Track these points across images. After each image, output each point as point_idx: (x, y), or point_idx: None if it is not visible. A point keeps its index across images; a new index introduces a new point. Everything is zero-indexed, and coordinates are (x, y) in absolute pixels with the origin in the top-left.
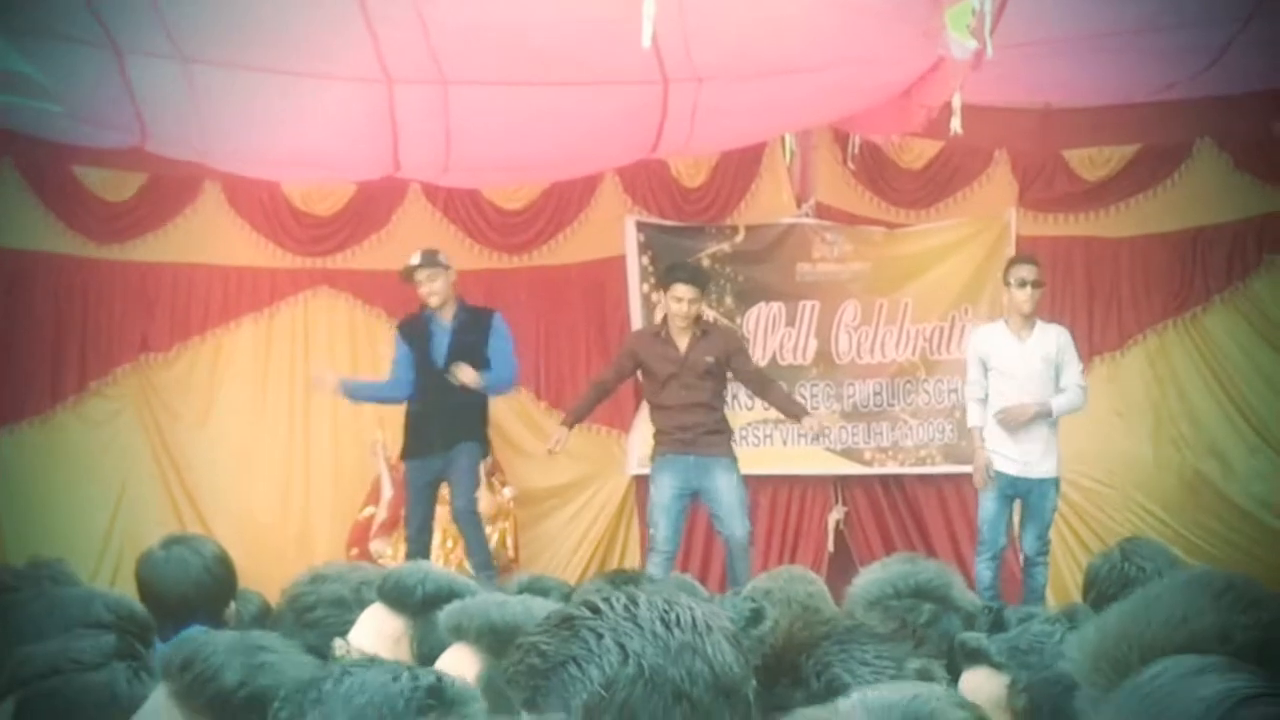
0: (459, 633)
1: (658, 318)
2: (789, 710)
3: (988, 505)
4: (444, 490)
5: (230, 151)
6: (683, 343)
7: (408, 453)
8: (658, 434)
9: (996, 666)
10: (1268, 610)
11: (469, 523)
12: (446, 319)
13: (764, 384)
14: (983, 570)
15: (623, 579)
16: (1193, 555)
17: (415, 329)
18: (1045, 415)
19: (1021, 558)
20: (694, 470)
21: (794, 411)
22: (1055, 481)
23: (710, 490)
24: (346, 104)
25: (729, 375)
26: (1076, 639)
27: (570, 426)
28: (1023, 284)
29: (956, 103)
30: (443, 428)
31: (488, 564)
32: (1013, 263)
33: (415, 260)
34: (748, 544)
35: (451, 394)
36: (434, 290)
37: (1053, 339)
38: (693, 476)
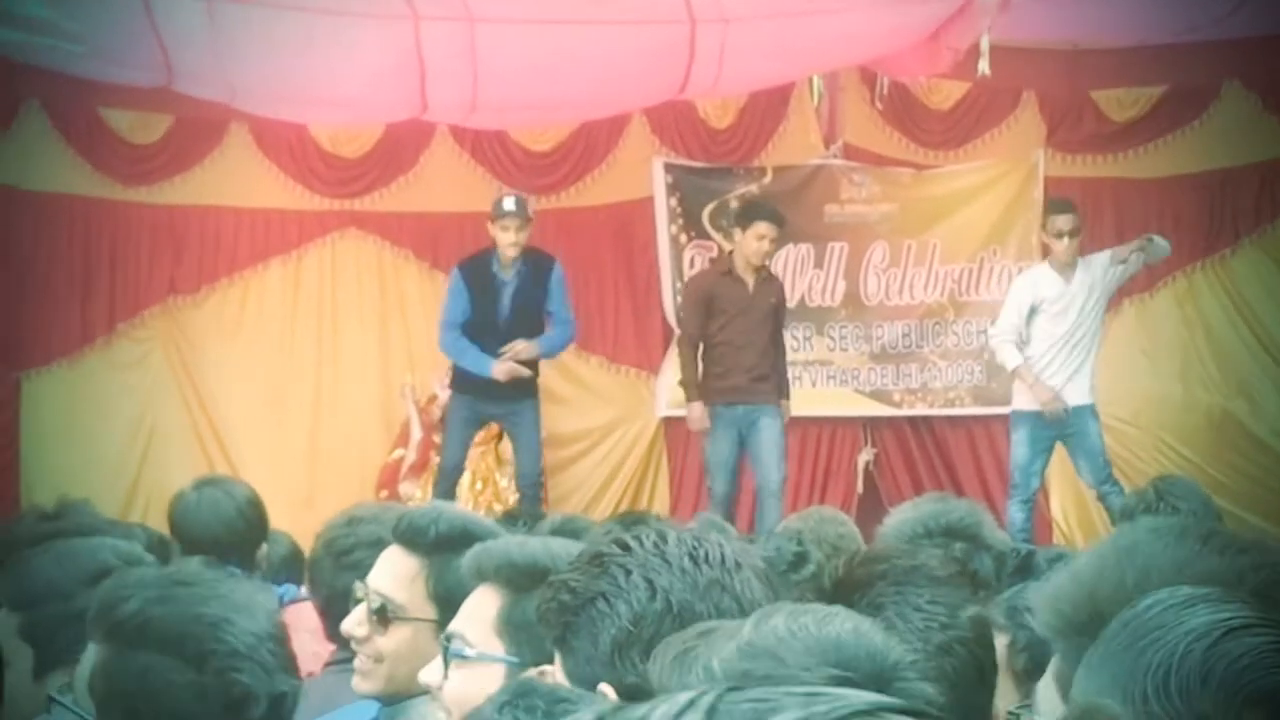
0: (480, 574)
1: (686, 259)
2: None
3: (1020, 449)
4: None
5: (256, 91)
6: (750, 281)
7: (459, 388)
8: (711, 378)
9: (996, 627)
10: (1261, 553)
11: (536, 490)
12: (509, 273)
13: (778, 348)
14: (1015, 513)
15: (632, 520)
16: (1219, 494)
17: (479, 275)
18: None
19: (1092, 492)
20: (744, 420)
21: (783, 388)
22: (1091, 408)
23: (754, 436)
24: (372, 41)
25: None
26: (1048, 592)
27: (694, 399)
28: (1060, 235)
29: (985, 44)
30: (500, 383)
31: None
32: (1051, 212)
33: (510, 206)
34: (781, 492)
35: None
36: (516, 241)
37: (1098, 266)
38: (743, 426)
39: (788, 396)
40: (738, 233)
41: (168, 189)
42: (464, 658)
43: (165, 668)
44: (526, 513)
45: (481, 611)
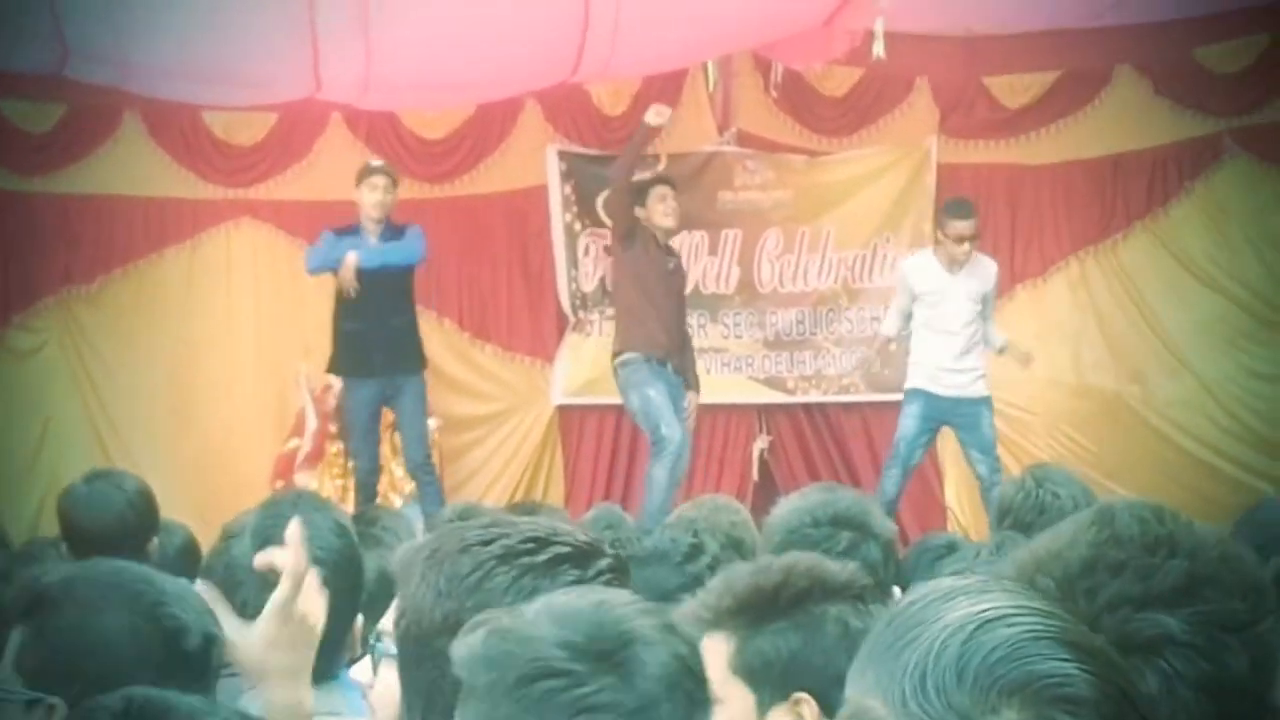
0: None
1: (580, 247)
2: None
3: (907, 423)
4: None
5: (150, 69)
6: (668, 260)
7: (343, 370)
8: (631, 330)
9: None
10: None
11: (426, 473)
12: (373, 239)
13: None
14: (888, 484)
15: (525, 509)
16: (1113, 480)
17: (348, 239)
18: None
19: (979, 483)
20: (675, 385)
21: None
22: (987, 400)
23: (679, 409)
24: (266, 15)
25: None
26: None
27: None
28: (961, 240)
29: (879, 28)
30: (382, 350)
31: (435, 504)
32: (951, 215)
33: (377, 163)
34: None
35: (388, 315)
36: (383, 202)
37: (990, 275)
38: (675, 390)
39: (696, 389)
40: (643, 211)
41: (61, 178)
42: (391, 655)
43: (96, 617)
44: (424, 498)
45: None
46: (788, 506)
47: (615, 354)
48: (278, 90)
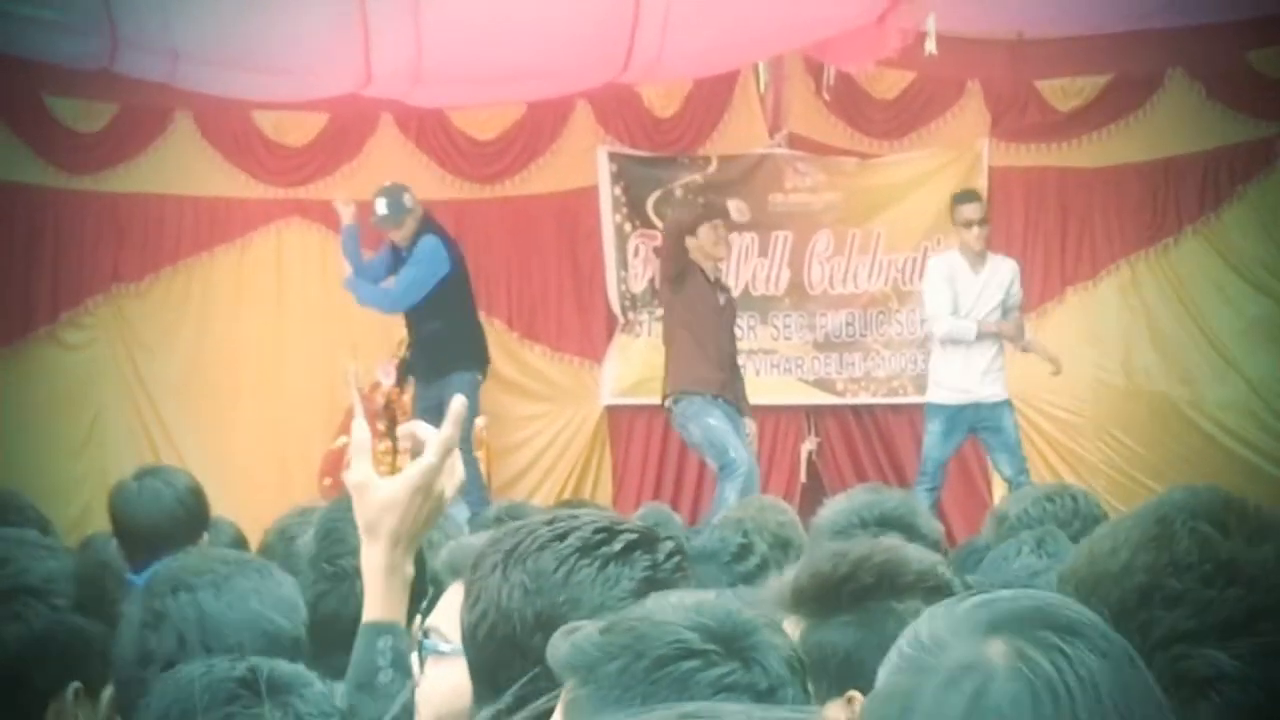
0: (455, 571)
1: (630, 248)
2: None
3: (933, 440)
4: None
5: (200, 60)
6: (718, 293)
7: (416, 376)
8: (682, 373)
9: None
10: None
11: (463, 458)
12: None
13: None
14: (919, 500)
15: (573, 508)
16: (1161, 482)
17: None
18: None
19: (1007, 485)
20: (731, 414)
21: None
22: (1007, 403)
23: (740, 434)
24: (317, 5)
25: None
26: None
27: None
28: (969, 224)
29: (931, 25)
30: (425, 356)
31: (477, 500)
32: (958, 201)
33: (383, 210)
34: None
35: (422, 323)
36: (400, 237)
37: (1006, 270)
38: (733, 419)
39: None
40: (694, 241)
41: (112, 177)
42: (440, 652)
43: None
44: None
45: (457, 608)
46: (834, 507)
47: (667, 396)
48: (328, 82)
